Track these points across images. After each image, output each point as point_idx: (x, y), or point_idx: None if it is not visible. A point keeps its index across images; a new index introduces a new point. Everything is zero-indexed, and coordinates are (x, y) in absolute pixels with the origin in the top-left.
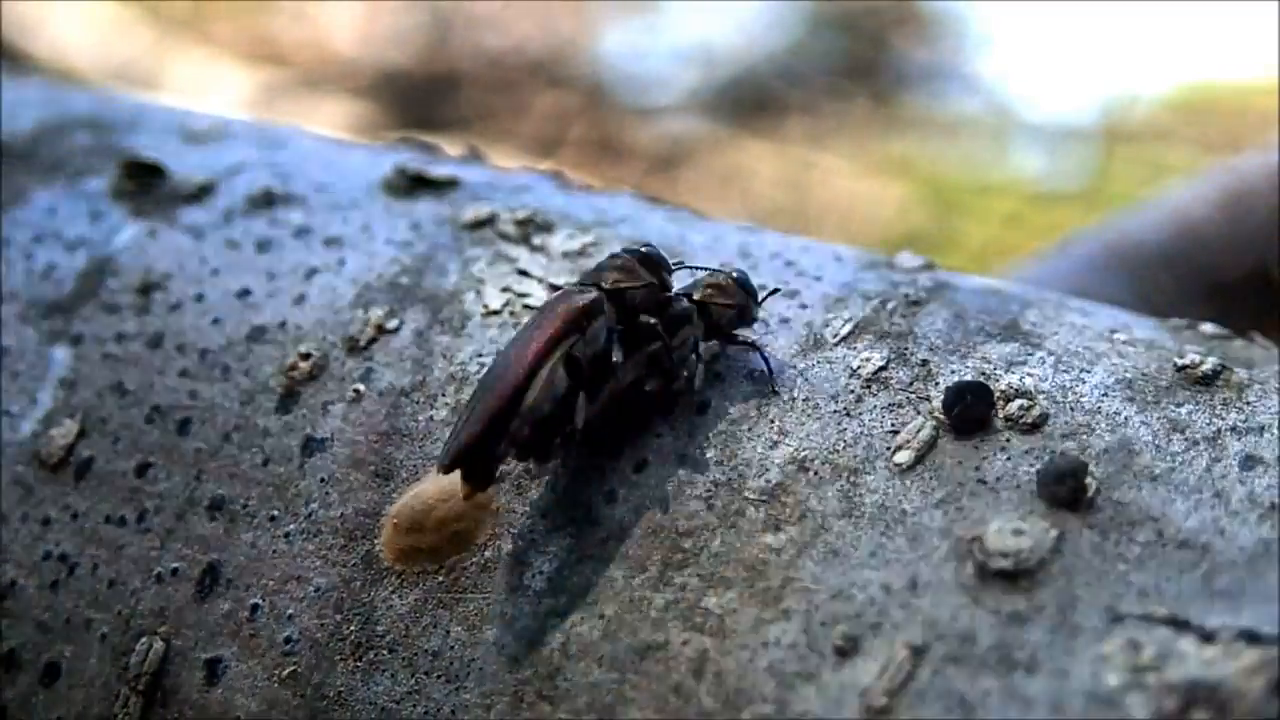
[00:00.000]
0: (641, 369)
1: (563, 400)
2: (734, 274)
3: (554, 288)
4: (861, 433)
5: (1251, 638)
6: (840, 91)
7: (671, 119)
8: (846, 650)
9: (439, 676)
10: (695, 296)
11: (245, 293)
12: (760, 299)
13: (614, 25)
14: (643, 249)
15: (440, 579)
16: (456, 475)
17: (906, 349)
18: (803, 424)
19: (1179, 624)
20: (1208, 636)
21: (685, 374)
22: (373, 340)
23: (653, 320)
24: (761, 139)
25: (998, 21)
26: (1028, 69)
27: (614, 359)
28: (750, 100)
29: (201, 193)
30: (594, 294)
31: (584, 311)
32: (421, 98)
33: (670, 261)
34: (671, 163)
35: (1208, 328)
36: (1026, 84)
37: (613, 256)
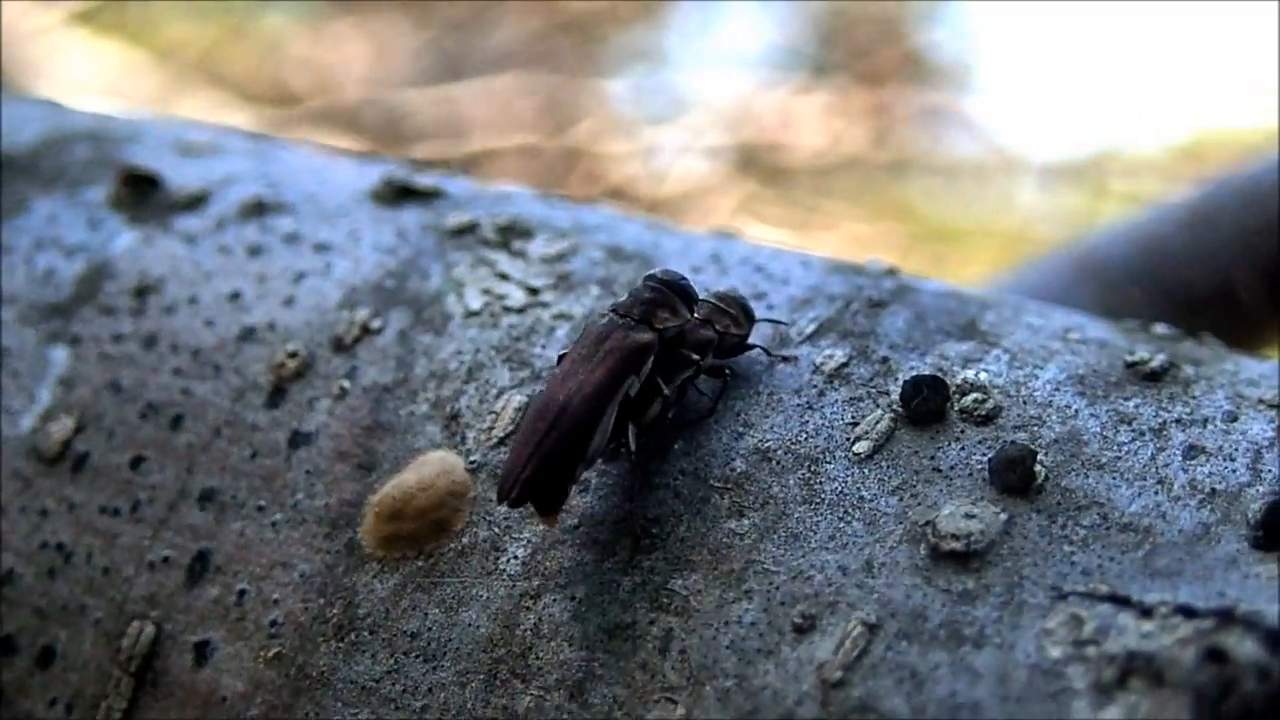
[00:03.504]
0: (676, 394)
1: (615, 428)
2: (739, 301)
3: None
4: (823, 424)
5: (1187, 612)
6: (843, 138)
7: (678, 165)
8: (805, 628)
9: (417, 656)
10: (717, 328)
11: (236, 295)
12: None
13: (621, 72)
14: (678, 280)
15: (419, 564)
16: (436, 468)
17: (868, 347)
18: (767, 417)
19: (1119, 600)
20: (1146, 611)
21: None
22: (358, 340)
23: (695, 355)
24: (767, 185)
25: (1001, 68)
26: (1029, 114)
27: (664, 391)
28: (756, 147)
29: (195, 201)
30: (650, 337)
31: (643, 354)
32: (428, 138)
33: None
34: (677, 208)
35: (1159, 328)
36: (1028, 128)
37: (650, 286)
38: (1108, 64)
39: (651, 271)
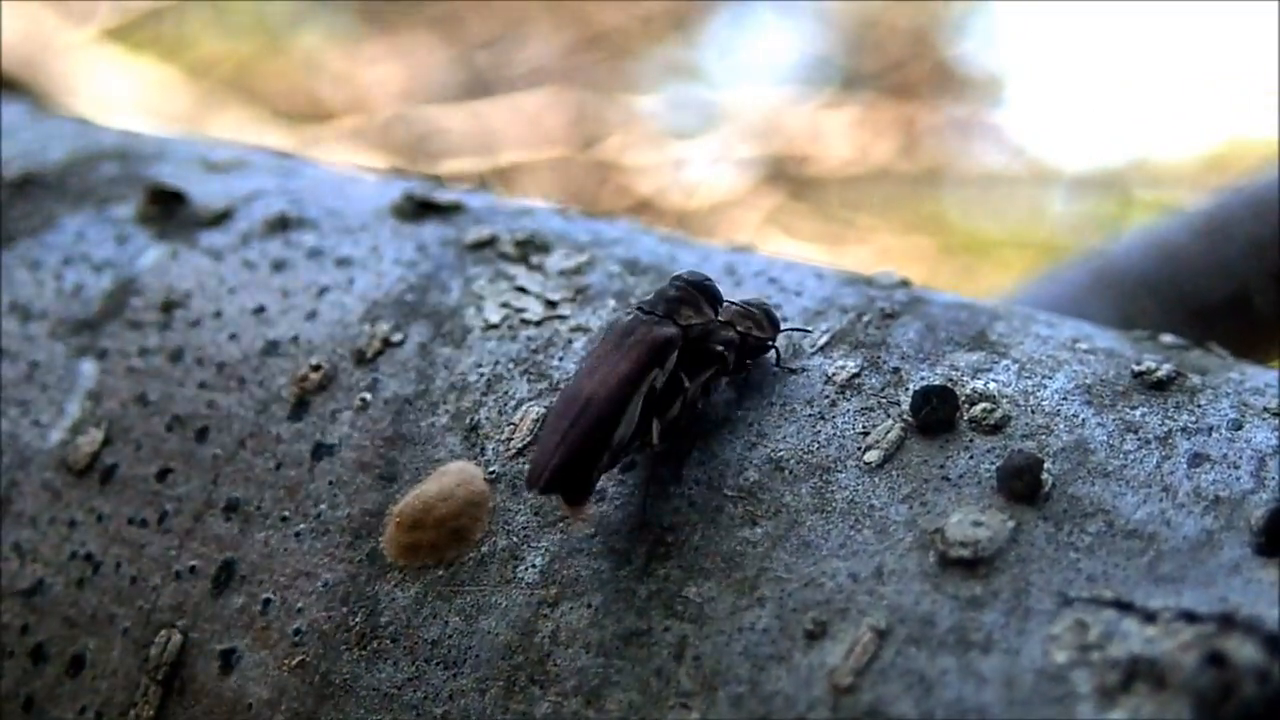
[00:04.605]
0: (699, 391)
1: (639, 422)
2: (765, 308)
3: (624, 307)
4: (834, 434)
5: (1190, 617)
6: (873, 151)
7: (707, 178)
8: (816, 634)
9: (438, 664)
10: (739, 329)
11: (261, 310)
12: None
13: (652, 87)
14: (704, 281)
15: (440, 573)
16: (456, 478)
17: (879, 357)
18: (779, 426)
19: (1124, 606)
20: (1150, 617)
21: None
22: (379, 353)
23: (720, 349)
24: (797, 198)
25: (1031, 78)
26: (1059, 124)
27: (685, 386)
28: (786, 160)
29: (221, 218)
30: (674, 331)
31: (667, 347)
32: (459, 154)
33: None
34: (706, 221)
35: (1167, 338)
36: (1059, 139)
37: (676, 285)
38: (1137, 73)
39: (678, 273)
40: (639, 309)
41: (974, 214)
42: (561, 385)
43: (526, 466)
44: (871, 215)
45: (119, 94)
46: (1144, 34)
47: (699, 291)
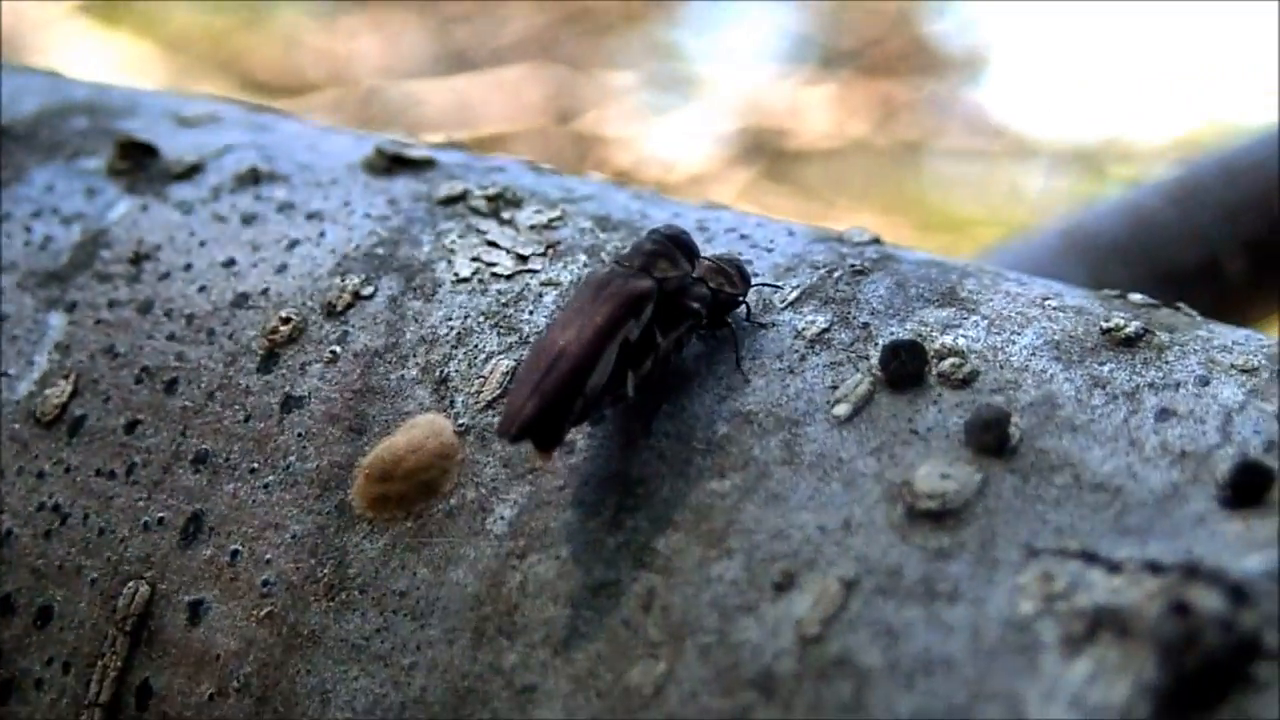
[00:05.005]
0: (673, 346)
1: (613, 374)
2: (738, 264)
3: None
4: (804, 388)
5: (1155, 568)
6: (852, 127)
7: (686, 152)
8: (784, 585)
9: (406, 614)
10: (711, 285)
11: (231, 262)
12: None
13: (632, 63)
14: (680, 235)
15: (408, 525)
16: (425, 431)
17: (849, 313)
18: (749, 380)
19: (1089, 557)
20: (1115, 567)
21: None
22: (349, 306)
23: (696, 305)
24: (775, 175)
25: (1009, 56)
26: (1038, 102)
27: (659, 341)
28: (765, 136)
29: (191, 171)
30: (649, 283)
31: (643, 299)
32: (438, 127)
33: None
34: (685, 194)
35: (1136, 297)
36: (1037, 117)
37: (655, 240)
38: (1116, 51)
39: (655, 226)
40: (615, 262)
41: (952, 192)
42: (532, 339)
43: (496, 419)
44: (850, 193)
45: (95, 68)
46: (1124, 13)
47: (675, 245)
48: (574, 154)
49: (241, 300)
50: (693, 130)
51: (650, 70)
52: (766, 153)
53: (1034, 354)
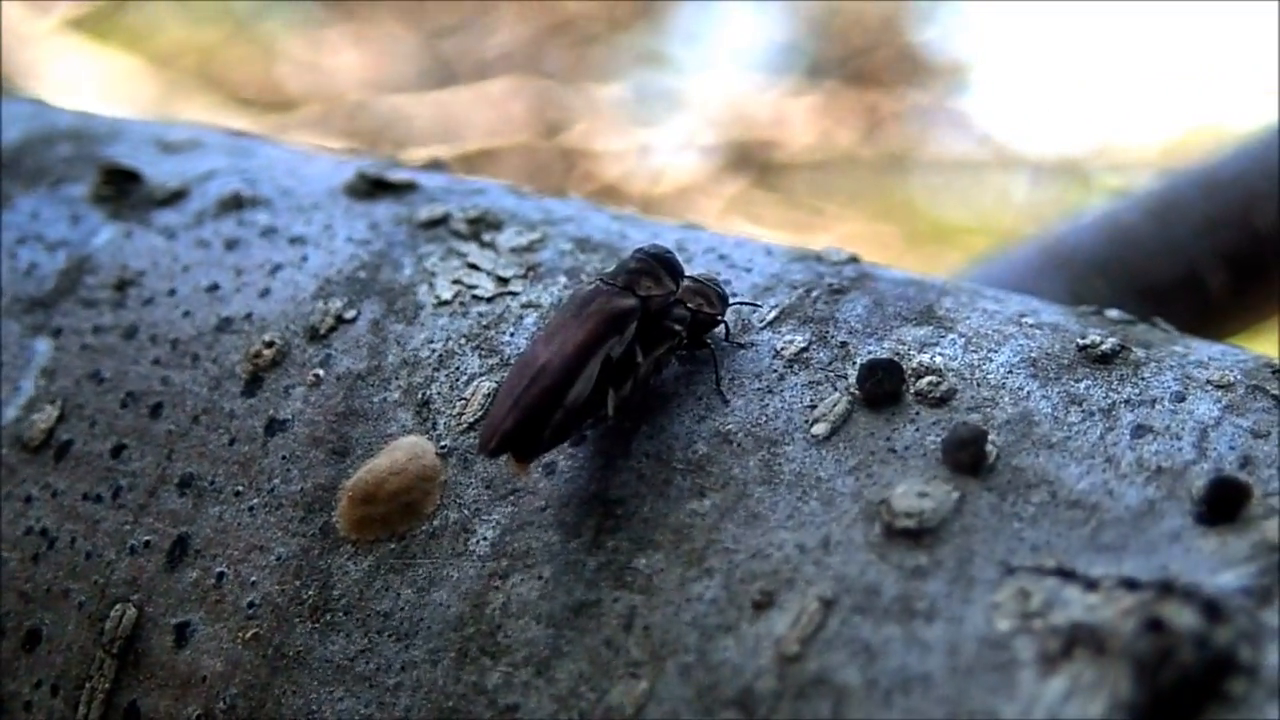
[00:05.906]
0: (653, 367)
1: (594, 391)
2: (715, 284)
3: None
4: (782, 408)
5: (1130, 585)
6: (839, 137)
7: (672, 164)
8: (763, 604)
9: (390, 635)
10: (690, 305)
11: (214, 287)
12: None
13: (617, 75)
14: (665, 254)
15: (392, 546)
16: (408, 453)
17: (827, 332)
18: (728, 400)
19: (1066, 574)
20: (1091, 585)
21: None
22: (332, 329)
23: (678, 327)
24: (762, 185)
25: (996, 65)
26: (1025, 111)
27: (638, 359)
28: (751, 147)
29: (175, 197)
30: (633, 301)
31: (626, 317)
32: (424, 142)
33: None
34: (671, 206)
35: (1113, 313)
36: (1024, 125)
37: (640, 259)
38: (1103, 59)
39: (639, 245)
40: (600, 280)
41: (940, 201)
42: (513, 360)
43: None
44: (837, 202)
45: (83, 83)
46: (1110, 20)
47: (660, 264)
48: (561, 167)
49: (225, 325)
50: (680, 142)
51: (637, 82)
52: (754, 163)
53: (1011, 371)
